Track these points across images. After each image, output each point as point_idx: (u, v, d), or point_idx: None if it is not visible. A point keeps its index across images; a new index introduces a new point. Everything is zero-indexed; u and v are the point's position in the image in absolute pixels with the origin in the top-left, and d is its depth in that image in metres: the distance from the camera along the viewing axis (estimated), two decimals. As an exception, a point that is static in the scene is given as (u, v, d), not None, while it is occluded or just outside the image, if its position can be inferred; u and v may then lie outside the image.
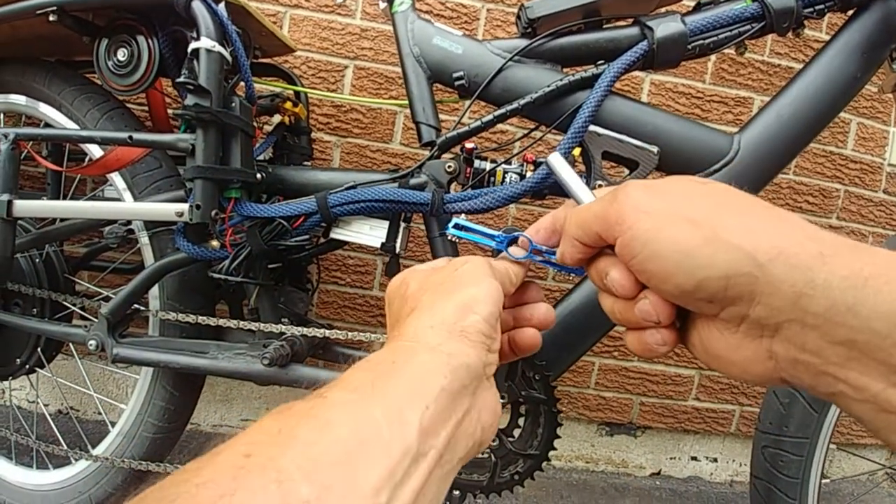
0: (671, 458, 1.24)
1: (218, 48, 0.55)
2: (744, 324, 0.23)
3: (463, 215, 0.45)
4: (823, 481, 0.67)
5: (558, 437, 0.60)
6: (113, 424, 0.77)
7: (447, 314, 0.27)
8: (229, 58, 0.57)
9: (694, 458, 1.24)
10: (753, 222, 0.22)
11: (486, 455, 0.60)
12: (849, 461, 1.28)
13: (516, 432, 0.61)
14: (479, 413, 0.26)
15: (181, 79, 0.54)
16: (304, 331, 0.63)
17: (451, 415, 0.24)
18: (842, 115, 1.19)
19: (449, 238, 0.38)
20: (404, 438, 0.21)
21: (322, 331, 0.63)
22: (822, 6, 0.61)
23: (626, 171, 0.63)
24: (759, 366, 0.23)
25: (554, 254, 0.36)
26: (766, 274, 0.21)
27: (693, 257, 0.22)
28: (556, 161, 0.33)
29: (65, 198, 0.87)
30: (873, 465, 1.23)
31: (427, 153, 0.65)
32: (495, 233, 0.36)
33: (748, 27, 0.60)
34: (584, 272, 0.37)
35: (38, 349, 0.80)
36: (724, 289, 0.22)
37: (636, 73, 1.09)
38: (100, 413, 1.10)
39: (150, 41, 0.62)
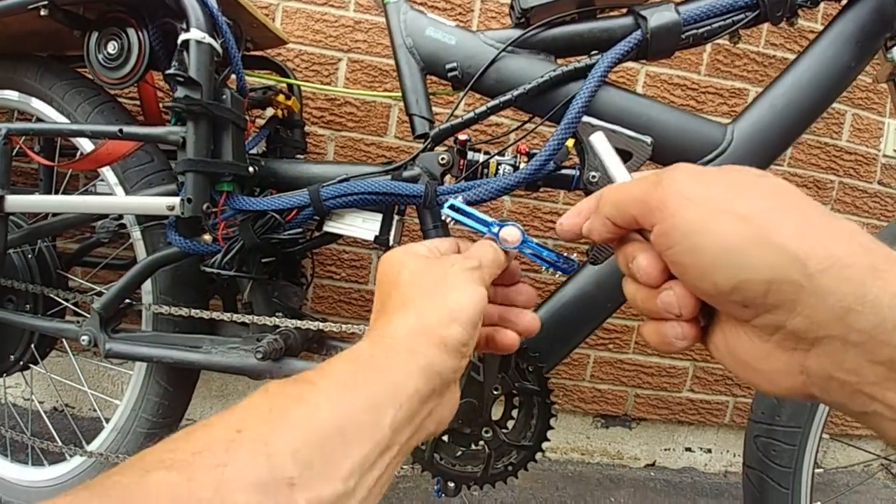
0: (666, 450, 1.25)
1: (208, 39, 0.54)
2: (778, 334, 0.21)
3: (460, 197, 0.45)
4: (817, 471, 0.67)
5: (551, 428, 0.60)
6: (108, 421, 0.77)
7: (432, 320, 0.28)
8: (220, 49, 0.57)
9: (688, 450, 1.25)
10: (808, 226, 0.20)
11: (479, 447, 0.60)
12: (843, 452, 1.29)
13: (510, 424, 0.61)
14: (440, 411, 0.28)
15: (171, 70, 0.53)
16: (298, 324, 0.63)
17: (418, 415, 0.26)
18: (836, 105, 1.19)
19: (443, 218, 0.38)
20: (378, 432, 0.23)
21: (316, 324, 0.63)
22: (816, -6, 0.60)
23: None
24: (788, 379, 0.22)
25: (544, 248, 0.36)
26: (813, 284, 0.19)
27: (737, 256, 0.21)
28: (598, 140, 0.32)
29: (57, 194, 0.86)
30: (868, 456, 1.24)
31: (420, 145, 0.64)
32: (490, 220, 0.36)
33: (742, 16, 0.60)
34: (570, 271, 0.37)
35: (32, 345, 0.80)
36: (765, 294, 0.20)
37: (631, 64, 1.09)
38: (95, 410, 1.10)
39: (140, 33, 0.62)
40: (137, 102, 0.85)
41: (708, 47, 1.09)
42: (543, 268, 0.37)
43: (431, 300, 0.29)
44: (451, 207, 0.37)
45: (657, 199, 0.23)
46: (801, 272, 0.19)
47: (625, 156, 0.62)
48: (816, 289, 0.19)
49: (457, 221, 0.36)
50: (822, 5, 0.62)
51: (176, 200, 0.57)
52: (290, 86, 0.80)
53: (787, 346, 0.21)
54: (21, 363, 0.81)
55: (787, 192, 0.22)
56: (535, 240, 0.36)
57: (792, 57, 1.11)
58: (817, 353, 0.20)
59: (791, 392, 0.22)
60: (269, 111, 0.79)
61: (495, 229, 0.35)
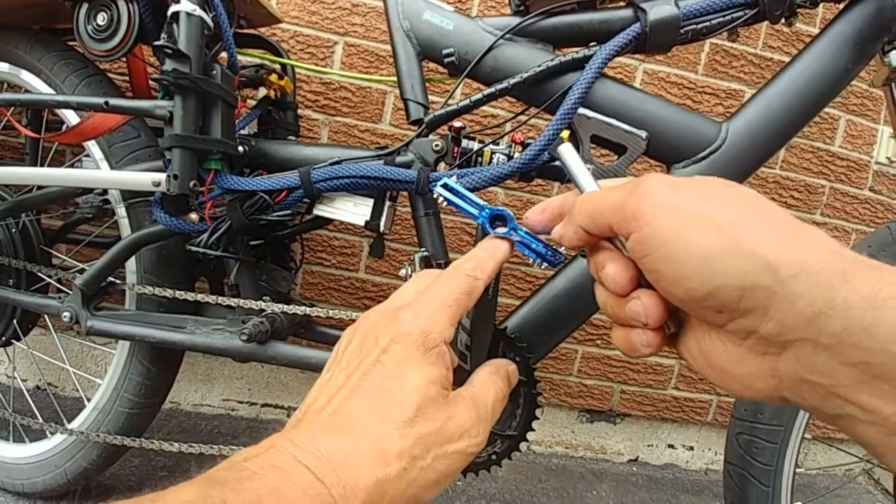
0: (649, 446, 1.26)
1: (199, 12, 0.53)
2: (750, 338, 0.22)
3: (454, 177, 0.44)
4: (798, 471, 0.68)
5: (537, 418, 0.60)
6: (88, 400, 0.76)
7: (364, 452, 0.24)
8: (211, 23, 0.55)
9: (671, 446, 1.26)
10: (779, 233, 0.21)
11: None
12: (825, 454, 1.31)
13: (495, 414, 0.61)
14: None
15: (159, 42, 0.52)
16: (285, 308, 0.62)
17: None
18: (831, 111, 1.20)
19: (435, 197, 0.37)
20: None
21: (303, 308, 0.62)
22: (816, -5, 0.60)
23: (615, 157, 0.62)
24: (761, 382, 0.22)
25: (534, 239, 0.36)
26: (785, 290, 0.20)
27: (711, 264, 0.21)
28: (566, 151, 0.32)
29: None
30: (850, 459, 1.26)
31: (415, 131, 0.63)
32: (482, 203, 0.35)
33: (741, 13, 0.60)
34: (557, 264, 0.37)
35: (14, 321, 0.78)
36: (738, 300, 0.21)
37: (629, 61, 1.09)
38: (77, 390, 1.09)
39: (129, 5, 0.60)
40: (126, 78, 0.83)
41: (706, 47, 1.09)
42: (531, 259, 0.37)
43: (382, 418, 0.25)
44: (444, 186, 0.36)
45: (633, 209, 0.23)
46: (773, 278, 0.20)
47: (619, 149, 0.61)
48: (788, 294, 0.20)
49: (448, 202, 0.36)
50: (820, 9, 0.62)
51: (162, 176, 0.56)
52: (283, 66, 0.79)
53: (759, 351, 0.22)
54: (3, 338, 0.80)
55: (757, 202, 0.23)
56: (525, 229, 0.35)
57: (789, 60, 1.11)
58: (788, 356, 0.21)
59: (764, 395, 0.22)
60: (262, 91, 0.77)
61: (486, 213, 0.35)
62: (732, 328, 0.22)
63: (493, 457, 0.59)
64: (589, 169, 0.31)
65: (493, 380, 0.31)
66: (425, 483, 0.25)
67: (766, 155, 0.62)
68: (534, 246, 0.35)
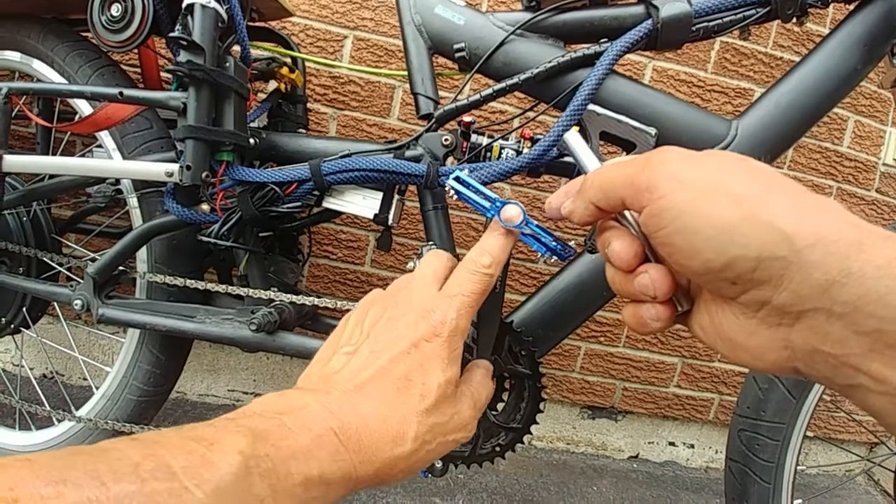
0: (649, 443, 1.26)
1: (213, 4, 0.53)
2: (763, 309, 0.22)
3: (466, 169, 0.44)
4: (799, 468, 0.69)
5: (541, 411, 0.61)
6: (96, 388, 0.77)
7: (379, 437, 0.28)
8: (225, 16, 0.56)
9: (671, 444, 1.27)
10: (795, 205, 0.21)
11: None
12: (825, 455, 1.31)
13: (500, 406, 0.62)
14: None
15: (174, 34, 0.53)
16: (293, 298, 0.63)
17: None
18: (839, 111, 1.19)
19: (446, 189, 0.38)
20: None
21: (311, 299, 0.63)
22: (828, -6, 0.60)
23: (623, 153, 0.62)
24: (772, 354, 0.22)
25: (545, 232, 0.36)
26: (800, 259, 0.20)
27: (728, 234, 0.21)
28: (573, 137, 0.32)
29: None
30: (851, 458, 1.26)
31: (424, 126, 0.64)
32: (494, 196, 0.36)
33: (753, 12, 0.60)
34: (566, 258, 0.37)
35: (24, 309, 0.79)
36: (753, 270, 0.21)
37: (639, 58, 1.08)
38: (85, 378, 1.10)
39: (144, -4, 0.61)
40: (138, 69, 0.83)
41: (716, 45, 1.09)
42: (539, 253, 0.37)
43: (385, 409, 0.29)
44: (457, 179, 0.36)
45: (646, 182, 0.23)
46: (790, 248, 0.20)
47: (628, 146, 0.62)
48: (803, 263, 0.20)
49: (459, 195, 0.36)
50: (831, 9, 0.62)
51: (175, 167, 0.56)
52: (293, 59, 0.79)
53: (772, 322, 0.22)
54: (12, 326, 0.81)
55: (771, 174, 0.23)
56: (536, 222, 0.36)
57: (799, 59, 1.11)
58: (801, 326, 0.21)
59: (777, 366, 0.22)
60: (272, 85, 0.78)
61: (498, 206, 0.35)
62: (746, 299, 0.22)
63: (498, 448, 0.60)
64: (599, 156, 0.31)
65: (486, 382, 0.36)
66: (424, 461, 0.30)
67: (774, 154, 0.62)
68: (544, 240, 0.36)
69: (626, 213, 0.27)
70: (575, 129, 0.60)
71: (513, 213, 0.35)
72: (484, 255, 0.34)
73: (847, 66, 0.61)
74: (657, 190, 0.23)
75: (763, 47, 1.10)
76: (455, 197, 0.37)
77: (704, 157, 0.24)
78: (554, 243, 0.36)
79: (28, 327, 0.82)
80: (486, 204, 0.35)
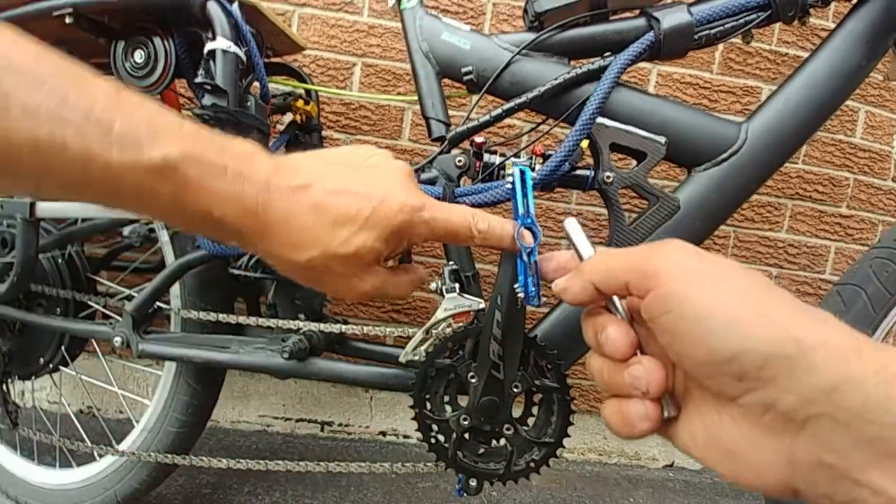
0: (683, 449, 1.24)
1: (234, 48, 0.56)
2: (769, 414, 0.21)
3: (533, 169, 0.43)
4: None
5: (571, 424, 0.61)
6: (136, 421, 0.79)
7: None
8: (244, 58, 0.59)
9: (706, 449, 1.25)
10: (797, 310, 0.21)
11: (502, 444, 0.61)
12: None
13: (531, 421, 0.62)
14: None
15: (198, 79, 0.56)
16: (321, 326, 0.64)
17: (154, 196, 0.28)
18: (850, 103, 1.19)
19: (508, 173, 0.38)
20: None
21: (338, 326, 0.64)
22: (826, -6, 0.61)
23: (634, 163, 0.63)
24: (775, 470, 0.21)
25: (533, 273, 0.36)
26: (806, 361, 0.20)
27: (736, 326, 0.21)
28: (571, 225, 0.33)
29: (83, 200, 0.89)
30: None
31: (437, 148, 0.66)
32: (532, 210, 0.37)
33: (754, 16, 0.61)
34: (532, 305, 0.38)
35: (62, 347, 0.82)
36: (761, 367, 0.20)
37: (643, 64, 1.10)
38: (121, 411, 1.13)
39: (166, 42, 0.64)
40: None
41: (720, 46, 1.09)
42: (517, 284, 0.38)
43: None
44: (521, 173, 0.37)
45: (653, 267, 0.24)
46: (797, 348, 0.20)
47: (639, 155, 0.63)
48: (808, 365, 0.20)
49: (511, 187, 0.37)
50: (833, 4, 0.62)
51: (204, 205, 0.59)
52: (307, 91, 0.82)
53: (777, 429, 0.21)
54: (51, 365, 0.84)
55: (770, 284, 0.23)
56: (538, 256, 0.36)
57: (804, 55, 1.11)
58: (806, 435, 0.20)
59: (777, 486, 0.21)
60: (288, 116, 0.81)
61: (528, 221, 0.36)
62: (750, 401, 0.21)
63: (532, 464, 0.60)
64: (592, 243, 0.31)
65: (403, 285, 0.37)
66: (300, 277, 0.33)
67: (787, 153, 0.63)
68: (529, 279, 0.37)
69: (616, 299, 0.28)
70: (585, 144, 0.61)
71: (527, 237, 0.36)
72: (485, 222, 0.35)
73: (852, 62, 0.62)
74: (664, 275, 0.23)
75: (767, 45, 1.11)
76: (509, 186, 0.38)
77: (710, 254, 0.25)
78: (533, 288, 0.36)
79: (67, 365, 0.85)
80: (521, 211, 0.36)
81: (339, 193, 0.31)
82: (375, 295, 0.35)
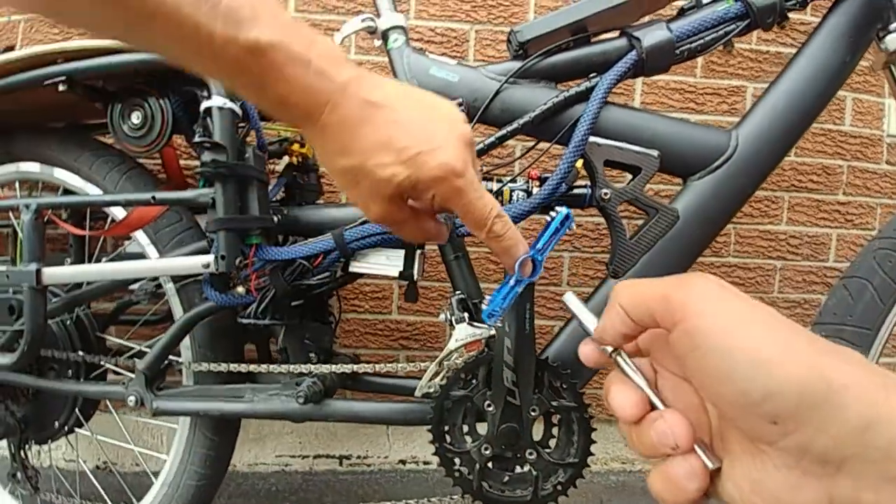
0: (707, 452, 1.23)
1: (229, 104, 0.57)
2: (805, 458, 0.20)
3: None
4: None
5: (594, 441, 0.61)
6: (154, 475, 0.79)
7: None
8: (239, 111, 0.60)
9: (730, 449, 1.23)
10: (825, 349, 0.21)
11: (526, 470, 0.60)
12: None
13: (552, 443, 0.62)
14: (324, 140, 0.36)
15: (197, 138, 0.57)
16: (333, 368, 0.65)
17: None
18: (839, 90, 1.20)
19: (551, 214, 0.40)
20: None
21: (350, 366, 0.65)
22: (803, -4, 0.62)
23: (630, 177, 0.64)
24: None
25: (510, 300, 0.38)
26: (836, 401, 0.19)
27: (770, 365, 0.20)
28: (570, 300, 0.33)
29: (89, 256, 0.90)
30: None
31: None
32: (545, 248, 0.38)
33: (733, 26, 0.62)
34: (486, 323, 0.39)
35: (76, 409, 0.82)
36: (796, 407, 0.20)
37: (626, 75, 1.11)
38: (138, 465, 1.12)
39: (162, 102, 0.65)
40: (157, 161, 0.89)
41: (700, 50, 1.11)
42: (488, 298, 0.39)
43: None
44: (566, 217, 0.39)
45: (680, 298, 0.23)
46: (828, 388, 0.20)
47: (634, 170, 0.63)
48: (839, 406, 0.19)
49: (548, 224, 0.38)
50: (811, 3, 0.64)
51: (210, 258, 0.59)
52: (302, 135, 0.84)
53: (816, 472, 0.20)
54: (66, 428, 0.83)
55: (791, 322, 0.23)
56: (517, 291, 0.38)
57: (786, 50, 1.13)
58: (843, 477, 0.20)
59: None
60: (285, 159, 0.82)
61: (531, 254, 0.37)
62: (787, 445, 0.21)
63: (559, 487, 0.60)
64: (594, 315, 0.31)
65: (418, 231, 0.39)
66: (338, 174, 0.36)
67: (779, 156, 0.64)
68: (504, 303, 0.38)
69: (621, 358, 0.27)
70: (580, 164, 0.62)
71: (527, 268, 0.38)
72: (503, 227, 0.36)
73: (836, 59, 0.63)
74: (691, 307, 0.22)
75: (748, 44, 1.13)
76: (548, 220, 0.39)
77: (734, 288, 0.24)
78: (499, 310, 0.38)
79: (81, 426, 0.85)
80: (540, 245, 0.38)
81: (400, 124, 0.34)
82: (386, 223, 0.38)
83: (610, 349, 0.28)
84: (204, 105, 0.58)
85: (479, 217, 0.35)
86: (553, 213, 0.40)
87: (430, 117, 0.35)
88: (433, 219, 0.40)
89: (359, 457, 1.17)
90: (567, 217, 0.39)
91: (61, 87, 0.65)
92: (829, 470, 0.20)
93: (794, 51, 0.65)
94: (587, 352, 0.28)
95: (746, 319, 0.22)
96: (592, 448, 0.60)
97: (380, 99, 0.34)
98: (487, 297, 0.40)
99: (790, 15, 0.64)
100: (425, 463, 1.17)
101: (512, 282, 0.38)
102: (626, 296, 0.26)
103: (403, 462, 1.17)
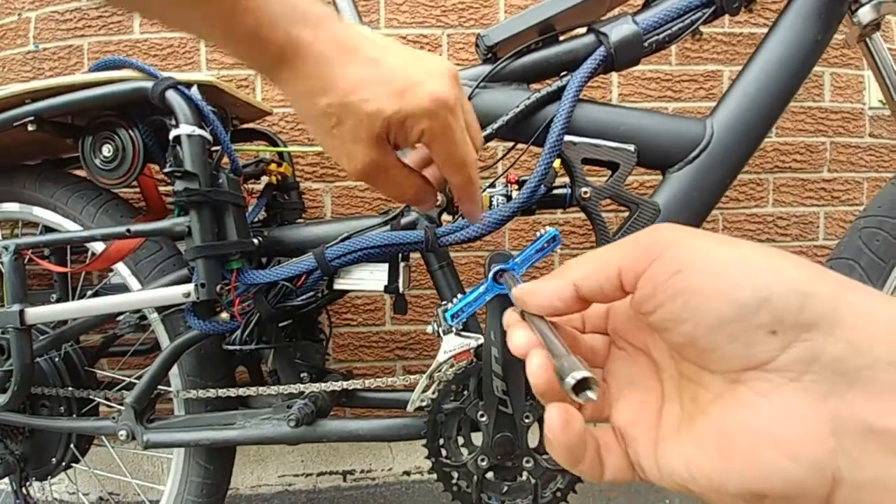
0: (712, 439, 1.22)
1: (198, 132, 0.57)
2: (810, 372, 0.17)
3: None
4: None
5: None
6: (155, 506, 0.78)
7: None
8: (210, 137, 0.59)
9: (735, 435, 1.23)
10: (822, 268, 0.18)
11: (524, 478, 0.60)
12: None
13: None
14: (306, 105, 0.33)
15: (167, 168, 0.56)
16: (323, 386, 0.64)
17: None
18: (814, 68, 1.20)
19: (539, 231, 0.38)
20: None
21: (340, 384, 0.64)
22: (767, -21, 0.62)
23: (609, 173, 0.64)
24: (814, 446, 0.16)
25: (473, 303, 0.36)
26: (850, 299, 0.16)
27: (766, 268, 0.18)
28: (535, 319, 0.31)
29: (74, 289, 0.89)
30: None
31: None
32: (521, 264, 0.36)
33: (699, 14, 0.62)
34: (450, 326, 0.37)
35: (71, 445, 0.81)
36: (799, 310, 0.17)
37: (603, 68, 1.11)
38: (138, 494, 1.11)
39: (131, 133, 0.65)
40: (136, 190, 0.88)
41: (674, 38, 1.11)
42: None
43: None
44: (553, 238, 0.37)
45: (651, 239, 0.21)
46: (837, 287, 0.17)
47: (612, 166, 0.63)
48: (852, 303, 0.17)
49: (535, 241, 0.37)
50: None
51: (190, 287, 0.59)
52: (279, 153, 0.83)
53: (821, 391, 0.16)
54: (63, 464, 0.83)
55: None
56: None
57: (759, 30, 1.13)
58: (857, 393, 0.16)
59: (814, 468, 0.16)
60: (264, 179, 0.81)
61: (516, 269, 0.35)
62: (788, 359, 0.17)
63: (558, 494, 0.59)
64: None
65: (408, 184, 0.36)
66: (309, 119, 0.33)
67: (756, 141, 0.63)
68: (469, 303, 0.36)
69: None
70: (557, 164, 0.61)
71: (500, 278, 0.36)
72: (475, 187, 0.36)
73: (808, 37, 0.62)
74: (668, 240, 0.20)
75: (720, 28, 1.12)
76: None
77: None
78: (462, 312, 0.36)
79: (78, 461, 0.84)
80: (520, 259, 0.35)
81: (386, 59, 0.32)
82: (370, 176, 0.34)
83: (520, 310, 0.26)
84: (173, 133, 0.57)
85: (462, 160, 0.34)
86: (542, 231, 0.38)
87: (416, 54, 0.34)
88: (419, 174, 0.37)
89: (362, 471, 1.16)
90: (554, 238, 0.37)
91: (31, 127, 0.64)
92: (838, 387, 0.16)
93: (766, 31, 0.64)
94: (547, 288, 0.24)
95: (726, 241, 0.19)
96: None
97: (359, 33, 0.32)
98: (458, 296, 0.38)
99: (758, -6, 0.64)
100: (429, 472, 1.16)
101: (482, 288, 0.36)
102: (580, 267, 0.23)
103: (408, 473, 1.16)
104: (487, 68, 0.64)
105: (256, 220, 0.79)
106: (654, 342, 0.23)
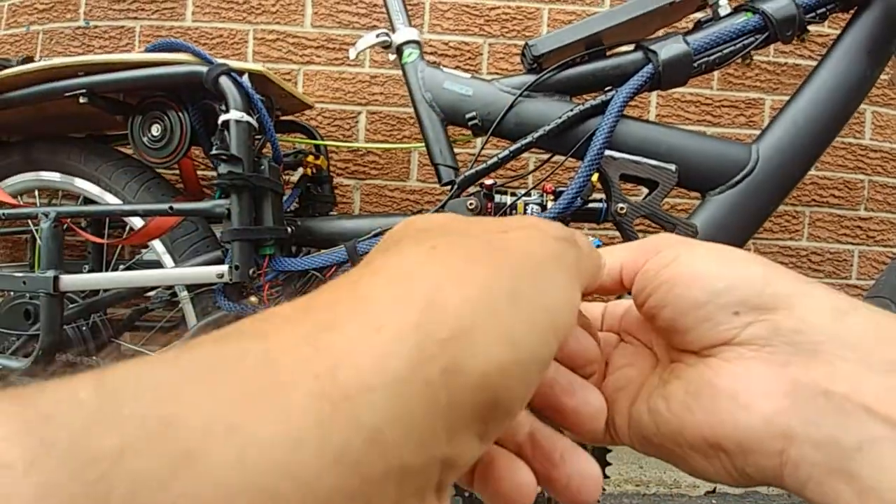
0: (724, 473, 1.19)
1: (246, 118, 0.58)
2: (770, 345, 0.19)
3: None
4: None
5: (608, 464, 0.59)
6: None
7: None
8: (256, 124, 0.61)
9: (748, 471, 1.20)
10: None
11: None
12: None
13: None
14: None
15: (214, 151, 0.57)
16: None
17: None
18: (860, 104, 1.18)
19: None
20: None
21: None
22: (823, 9, 0.62)
23: (646, 191, 0.63)
24: (768, 403, 0.18)
25: None
26: (808, 290, 0.19)
27: (733, 263, 0.21)
28: None
29: (107, 262, 0.91)
30: None
31: (447, 192, 0.66)
32: None
33: (752, 39, 0.61)
34: None
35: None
36: (760, 293, 0.19)
37: (641, 87, 1.11)
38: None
39: (181, 115, 0.67)
40: (176, 171, 0.90)
41: (716, 63, 1.10)
42: None
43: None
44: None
45: (650, 242, 0.23)
46: (797, 280, 0.20)
47: (651, 185, 0.63)
48: (809, 293, 0.19)
49: None
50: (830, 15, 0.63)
51: (224, 268, 0.60)
52: (316, 146, 0.84)
53: (780, 361, 0.18)
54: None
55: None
56: None
57: (804, 62, 1.12)
58: (819, 363, 0.18)
59: (767, 425, 0.18)
60: (300, 170, 0.83)
61: None
62: (749, 334, 0.19)
63: None
64: None
65: None
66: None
67: (801, 172, 0.62)
68: None
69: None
70: (595, 178, 0.61)
71: None
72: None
73: (857, 73, 0.62)
74: (665, 242, 0.23)
75: (765, 56, 1.11)
76: None
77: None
78: None
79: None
80: None
81: None
82: None
83: None
84: (222, 118, 0.59)
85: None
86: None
87: None
88: None
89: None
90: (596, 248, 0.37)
91: (82, 100, 0.66)
92: (798, 357, 0.18)
93: (812, 63, 0.64)
94: None
95: (714, 244, 0.22)
96: (606, 470, 0.58)
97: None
98: None
99: (809, 27, 0.63)
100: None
101: None
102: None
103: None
104: (531, 77, 0.65)
105: (289, 209, 0.80)
106: (656, 339, 0.25)
